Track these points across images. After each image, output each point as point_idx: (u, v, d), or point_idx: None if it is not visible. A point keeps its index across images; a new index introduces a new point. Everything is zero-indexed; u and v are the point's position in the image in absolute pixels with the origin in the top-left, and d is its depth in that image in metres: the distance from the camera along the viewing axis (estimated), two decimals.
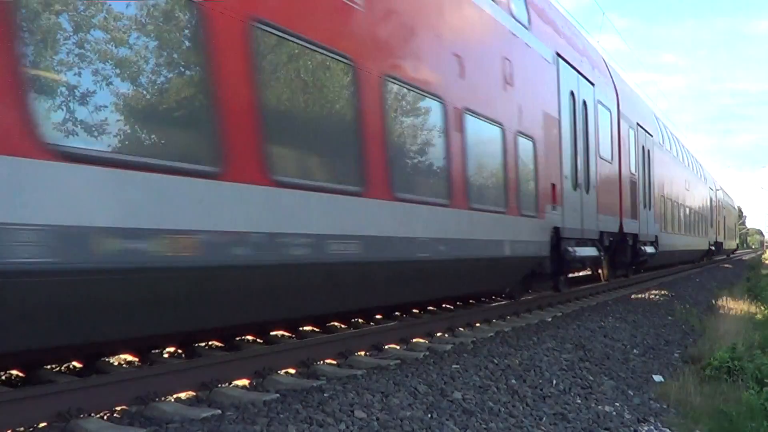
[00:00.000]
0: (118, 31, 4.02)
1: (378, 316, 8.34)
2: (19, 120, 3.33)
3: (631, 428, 5.53)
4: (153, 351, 5.65)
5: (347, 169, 5.80)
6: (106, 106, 3.88)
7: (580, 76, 11.44)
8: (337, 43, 5.53)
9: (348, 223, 5.52)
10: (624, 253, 14.26)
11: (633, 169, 14.94)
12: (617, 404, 6.04)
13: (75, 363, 5.21)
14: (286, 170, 5.06)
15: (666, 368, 8.12)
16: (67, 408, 3.76)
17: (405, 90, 6.58)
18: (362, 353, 6.19)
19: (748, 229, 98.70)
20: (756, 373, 7.74)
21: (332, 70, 5.62)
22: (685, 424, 6.03)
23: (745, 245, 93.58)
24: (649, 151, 16.87)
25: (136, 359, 5.48)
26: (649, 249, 15.94)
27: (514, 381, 5.75)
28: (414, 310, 8.98)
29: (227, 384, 4.75)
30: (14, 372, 4.88)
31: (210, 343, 6.24)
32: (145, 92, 4.17)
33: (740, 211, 71.70)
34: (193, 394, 4.52)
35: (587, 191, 11.39)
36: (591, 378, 6.60)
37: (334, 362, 5.81)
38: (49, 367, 5.04)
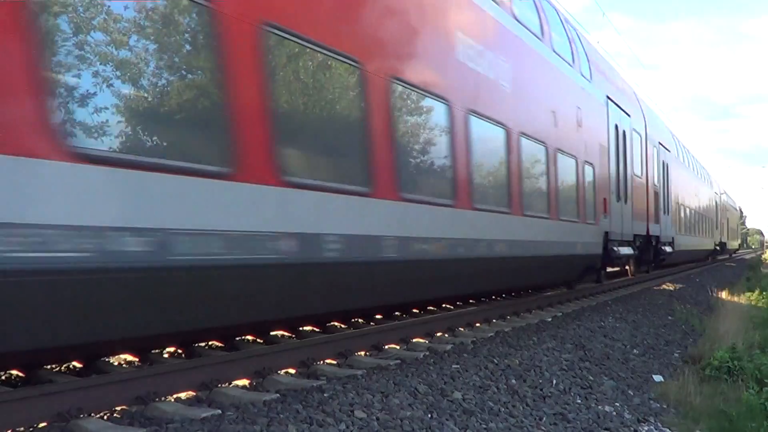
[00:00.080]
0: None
1: (378, 316, 8.35)
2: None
3: (631, 428, 5.53)
4: (153, 351, 5.65)
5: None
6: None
7: (621, 111, 14.24)
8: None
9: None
10: (648, 252, 16.55)
11: (656, 181, 17.78)
12: (617, 404, 6.04)
13: (75, 363, 5.22)
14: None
15: (666, 368, 8.13)
16: (67, 408, 3.76)
17: (526, 140, 9.05)
18: (362, 353, 6.18)
19: (748, 229, 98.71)
20: (756, 373, 7.74)
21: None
22: (685, 424, 6.03)
23: (745, 245, 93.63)
24: (667, 165, 19.78)
25: (136, 359, 5.48)
26: (668, 248, 18.55)
27: (514, 381, 5.76)
28: (414, 310, 8.99)
29: (227, 384, 4.75)
30: (14, 372, 4.88)
31: (210, 343, 6.24)
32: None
33: (741, 211, 72.00)
34: (193, 394, 4.51)
35: (625, 202, 14.00)
36: (591, 378, 6.60)
37: (334, 362, 5.81)
38: (49, 367, 5.04)
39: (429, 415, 4.51)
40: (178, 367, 4.67)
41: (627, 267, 16.68)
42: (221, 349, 6.14)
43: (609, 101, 13.30)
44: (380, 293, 6.78)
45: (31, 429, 3.70)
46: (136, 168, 3.84)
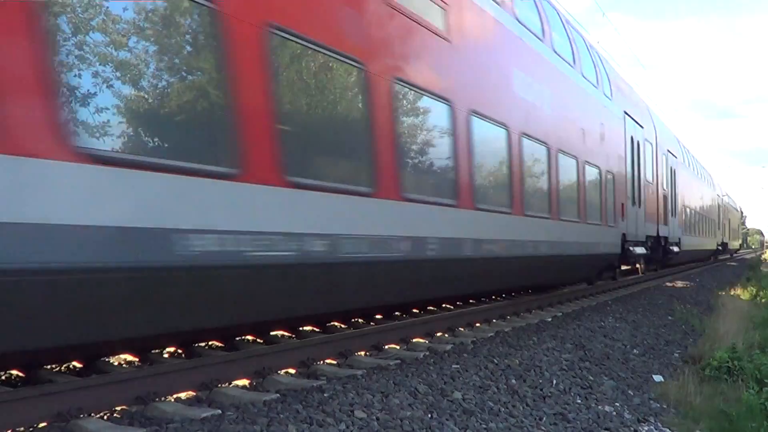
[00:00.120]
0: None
1: (378, 316, 8.35)
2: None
3: (631, 428, 5.53)
4: (153, 351, 5.65)
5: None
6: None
7: (636, 123, 15.66)
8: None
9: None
10: (657, 252, 17.68)
11: (665, 186, 19.17)
12: (617, 404, 6.04)
13: (75, 363, 5.22)
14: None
15: (666, 368, 8.12)
16: (67, 408, 3.76)
17: (562, 155, 10.53)
18: (362, 353, 6.19)
19: (748, 229, 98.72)
20: (756, 373, 7.74)
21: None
22: (685, 424, 6.03)
23: (745, 245, 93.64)
24: (674, 170, 21.15)
25: (136, 359, 5.48)
26: (675, 248, 19.89)
27: (514, 381, 5.75)
28: (414, 310, 8.99)
29: (227, 384, 4.75)
30: (14, 372, 4.88)
31: (210, 343, 6.24)
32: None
33: (741, 212, 72.30)
34: (193, 394, 4.52)
35: (639, 206, 15.37)
36: (591, 378, 6.60)
37: (334, 362, 5.81)
38: (49, 367, 5.04)
39: (429, 415, 4.51)
40: (178, 367, 4.67)
41: (638, 265, 17.72)
42: (221, 349, 6.14)
43: (626, 116, 14.79)
44: (458, 285, 8.54)
45: (31, 429, 3.70)
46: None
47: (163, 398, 4.29)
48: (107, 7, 3.89)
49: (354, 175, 5.86)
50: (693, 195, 26.11)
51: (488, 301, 10.59)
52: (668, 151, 20.14)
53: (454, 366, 5.84)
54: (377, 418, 4.24)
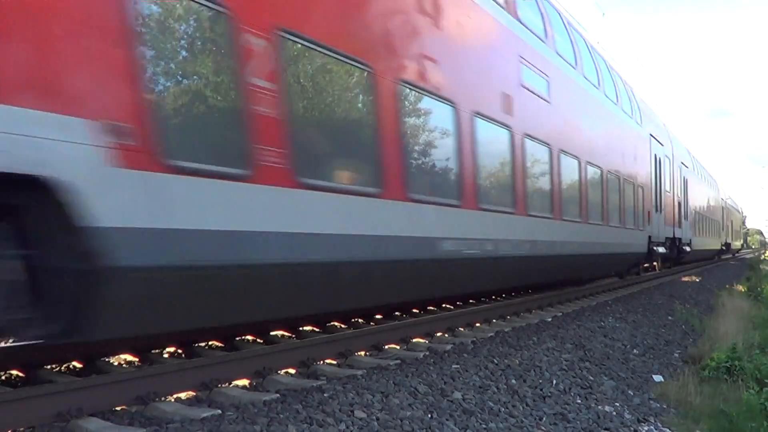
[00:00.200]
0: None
1: (378, 316, 8.35)
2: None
3: (631, 428, 5.53)
4: (153, 351, 5.65)
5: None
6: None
7: (658, 143, 18.59)
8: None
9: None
10: (673, 251, 20.39)
11: (679, 194, 21.86)
12: (617, 404, 6.04)
13: (75, 363, 5.22)
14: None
15: (666, 368, 8.12)
16: (67, 408, 3.76)
17: (611, 175, 13.19)
18: (362, 353, 6.19)
19: (748, 229, 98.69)
20: (756, 373, 7.74)
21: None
22: (685, 424, 6.03)
23: (745, 245, 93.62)
24: (686, 179, 24.05)
25: (136, 359, 5.48)
26: (687, 248, 22.64)
27: (514, 381, 5.75)
28: (414, 310, 8.99)
29: (227, 384, 4.75)
30: (14, 372, 4.88)
31: (210, 343, 6.24)
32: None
33: (742, 214, 72.72)
34: (193, 394, 4.52)
35: (660, 212, 18.09)
36: (591, 378, 6.60)
37: (334, 362, 5.82)
38: (49, 367, 5.04)
39: (429, 415, 4.51)
40: (178, 367, 4.67)
41: (655, 263, 20.67)
42: (221, 349, 6.14)
43: (651, 137, 17.80)
44: (523, 278, 10.56)
45: (31, 429, 3.70)
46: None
47: (163, 398, 4.29)
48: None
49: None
50: (701, 200, 29.18)
51: (488, 301, 10.59)
52: (682, 163, 23.45)
53: (454, 366, 5.84)
54: (377, 418, 4.24)
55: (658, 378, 7.54)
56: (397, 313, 8.59)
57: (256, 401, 4.28)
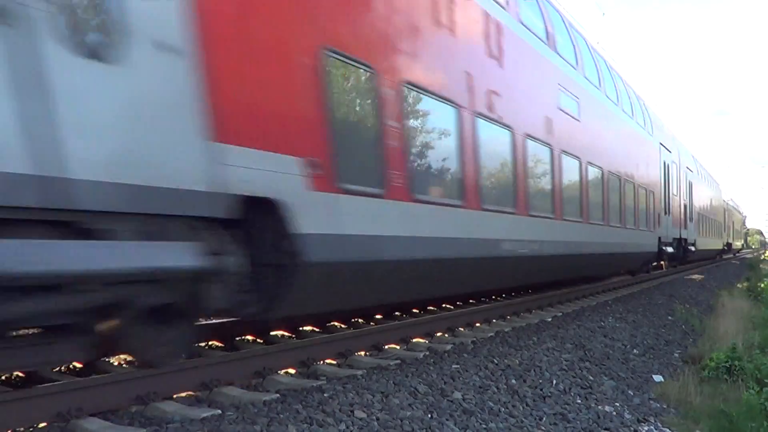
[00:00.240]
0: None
1: (378, 316, 8.35)
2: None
3: (631, 428, 5.53)
4: None
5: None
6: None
7: (666, 150, 20.10)
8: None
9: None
10: (680, 250, 21.93)
11: (685, 197, 23.43)
12: (617, 404, 6.04)
13: (75, 363, 5.22)
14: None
15: (666, 368, 8.12)
16: (67, 408, 3.76)
17: (629, 182, 14.83)
18: (362, 353, 6.18)
19: (748, 229, 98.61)
20: (756, 373, 7.74)
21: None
22: (685, 424, 6.03)
23: (745, 245, 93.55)
24: (691, 183, 25.68)
25: (136, 359, 5.47)
26: (692, 248, 24.32)
27: (514, 381, 5.75)
28: (414, 310, 8.99)
29: (227, 384, 4.75)
30: (14, 372, 4.87)
31: (210, 343, 6.24)
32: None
33: (742, 214, 73.00)
34: (193, 394, 4.51)
35: (668, 215, 19.62)
36: (591, 378, 6.60)
37: (334, 362, 5.81)
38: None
39: (429, 415, 4.51)
40: (178, 367, 4.67)
41: (663, 262, 21.88)
42: (221, 349, 6.14)
43: (661, 146, 19.37)
44: (558, 273, 12.12)
45: (31, 429, 3.70)
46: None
47: (163, 398, 4.29)
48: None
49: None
50: (704, 202, 30.86)
51: (488, 301, 10.58)
52: (687, 167, 25.01)
53: (454, 366, 5.84)
54: (377, 418, 4.24)
55: (658, 378, 7.54)
56: (397, 313, 8.59)
57: (256, 401, 4.28)
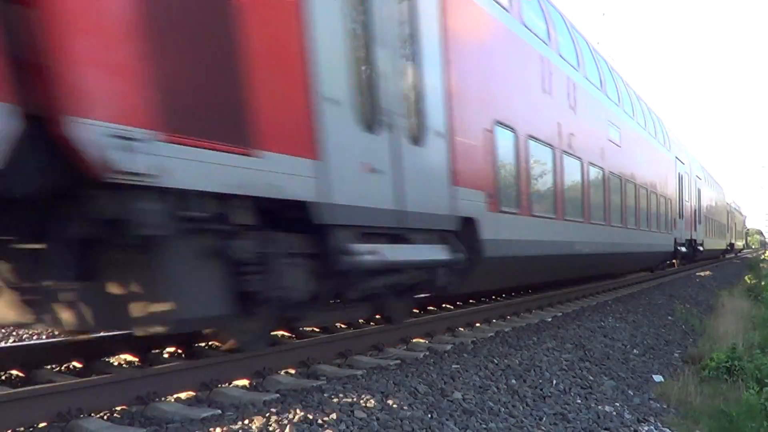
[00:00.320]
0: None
1: (378, 316, 8.35)
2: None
3: (631, 428, 5.53)
4: (153, 351, 5.65)
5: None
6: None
7: (680, 162, 23.18)
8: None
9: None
10: (690, 250, 24.63)
11: (694, 203, 26.32)
12: (617, 404, 6.04)
13: (75, 363, 5.22)
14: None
15: (666, 368, 8.13)
16: (67, 408, 3.76)
17: (653, 193, 17.58)
18: (362, 353, 6.18)
19: (748, 229, 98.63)
20: (756, 373, 7.75)
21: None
22: (685, 424, 6.03)
23: (745, 245, 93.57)
24: (700, 189, 28.57)
25: (136, 359, 5.48)
26: (701, 248, 27.15)
27: (514, 381, 5.75)
28: (414, 310, 8.98)
29: (227, 384, 4.75)
30: (14, 372, 4.88)
31: (210, 343, 6.24)
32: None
33: (743, 215, 73.66)
34: (193, 394, 4.51)
35: (681, 218, 22.52)
36: (591, 378, 6.60)
37: (334, 362, 5.81)
38: (49, 367, 5.04)
39: (429, 415, 4.51)
40: (178, 367, 4.67)
41: (674, 261, 24.73)
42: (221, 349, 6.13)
43: (677, 159, 22.37)
44: (603, 267, 15.15)
45: (31, 429, 3.70)
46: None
47: (163, 398, 4.29)
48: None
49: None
50: (711, 206, 34.02)
51: (488, 301, 10.58)
52: (696, 176, 28.21)
53: (454, 366, 5.84)
54: (377, 418, 4.24)
55: (658, 378, 7.55)
56: None
57: (256, 401, 4.28)
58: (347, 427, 4.03)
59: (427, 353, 6.43)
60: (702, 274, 25.27)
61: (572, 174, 11.03)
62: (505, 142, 8.40)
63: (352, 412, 4.25)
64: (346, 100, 5.31)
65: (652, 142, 18.58)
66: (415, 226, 6.17)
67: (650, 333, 10.12)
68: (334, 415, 4.07)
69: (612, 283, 16.25)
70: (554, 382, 6.07)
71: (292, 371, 5.37)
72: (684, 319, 12.01)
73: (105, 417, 3.96)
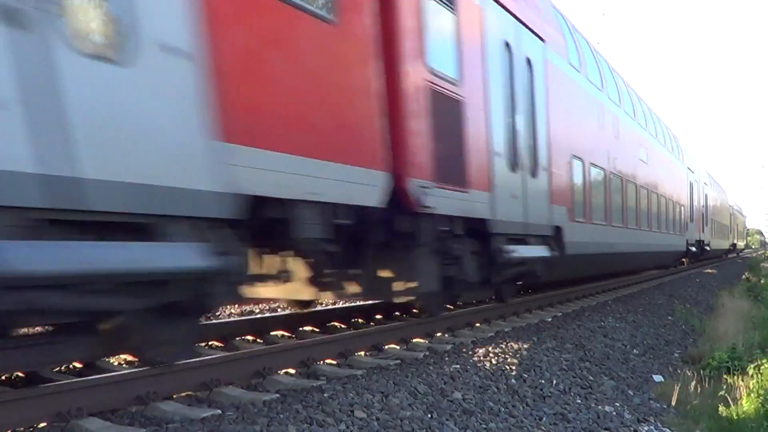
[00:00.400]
0: None
1: (378, 316, 8.35)
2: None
3: (631, 428, 5.53)
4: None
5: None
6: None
7: (691, 171, 26.35)
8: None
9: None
10: (698, 250, 27.44)
11: (702, 206, 29.27)
12: (617, 404, 6.04)
13: (75, 363, 5.21)
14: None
15: (666, 368, 8.13)
16: (67, 408, 3.76)
17: (669, 200, 20.66)
18: (362, 353, 6.18)
19: (748, 230, 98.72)
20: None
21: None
22: (685, 424, 6.03)
23: (746, 245, 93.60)
24: (707, 195, 31.58)
25: (136, 359, 5.47)
26: (707, 248, 30.38)
27: (514, 381, 5.75)
28: (414, 310, 8.98)
29: (227, 384, 4.75)
30: (14, 372, 4.87)
31: (210, 343, 6.24)
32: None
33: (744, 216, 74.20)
34: (193, 394, 4.51)
35: (692, 221, 25.56)
36: (591, 378, 6.60)
37: (334, 362, 5.81)
38: (54, 369, 5.03)
39: (429, 415, 4.51)
40: (178, 367, 4.66)
41: (684, 259, 27.50)
42: (221, 349, 6.14)
43: (688, 169, 25.58)
44: (637, 264, 18.78)
45: (31, 429, 3.70)
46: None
47: (163, 398, 4.29)
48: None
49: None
50: (716, 209, 37.20)
51: (488, 301, 10.57)
52: (704, 182, 31.15)
53: (454, 366, 5.84)
54: (377, 418, 4.24)
55: (658, 378, 7.55)
56: (396, 313, 8.59)
57: (256, 401, 4.28)
58: (347, 427, 4.04)
59: (427, 353, 6.43)
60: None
61: (615, 189, 14.04)
62: (577, 170, 11.29)
63: (352, 412, 4.25)
64: (503, 152, 8.20)
65: (669, 157, 21.94)
66: (532, 233, 8.93)
67: (650, 333, 10.12)
68: (334, 415, 4.08)
69: (612, 283, 16.28)
70: (554, 382, 6.07)
71: (292, 371, 5.37)
72: (684, 319, 12.01)
73: (105, 417, 3.95)
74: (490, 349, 6.82)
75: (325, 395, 4.49)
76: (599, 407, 5.76)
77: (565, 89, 10.80)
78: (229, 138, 4.14)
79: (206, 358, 5.28)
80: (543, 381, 6.00)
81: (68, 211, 3.36)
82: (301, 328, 7.12)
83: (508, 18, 8.55)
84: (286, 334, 6.90)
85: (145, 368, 4.44)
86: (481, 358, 6.32)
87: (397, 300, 6.88)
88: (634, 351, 8.58)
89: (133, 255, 3.64)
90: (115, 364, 5.38)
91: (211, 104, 4.02)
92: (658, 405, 6.48)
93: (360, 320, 8.00)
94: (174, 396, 4.41)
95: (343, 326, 7.59)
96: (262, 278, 5.84)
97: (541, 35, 9.63)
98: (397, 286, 6.55)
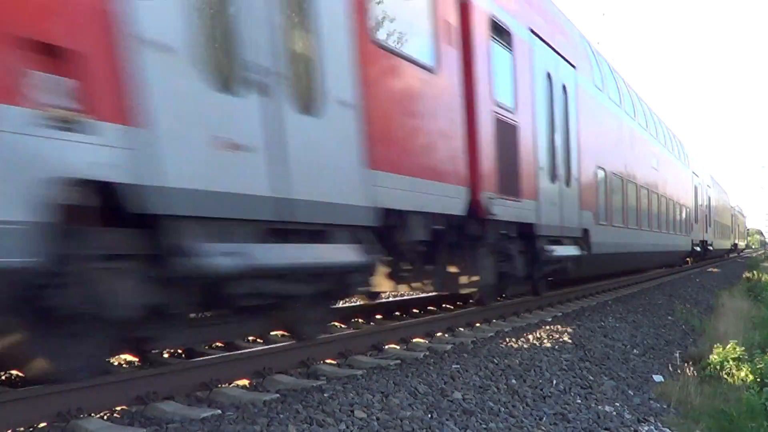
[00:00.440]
0: None
1: (378, 316, 8.35)
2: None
3: (631, 428, 5.53)
4: (153, 351, 5.64)
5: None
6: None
7: (696, 175, 27.75)
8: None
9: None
10: (702, 249, 29.05)
11: (705, 208, 30.75)
12: (617, 404, 6.04)
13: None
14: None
15: (666, 368, 8.12)
16: (67, 408, 3.76)
17: (675, 203, 22.37)
18: (362, 353, 6.18)
19: (748, 230, 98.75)
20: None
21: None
22: (686, 424, 6.03)
23: (746, 245, 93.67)
24: (710, 197, 33.18)
25: (136, 359, 5.48)
26: (711, 248, 32.19)
27: (514, 381, 5.75)
28: (414, 310, 8.99)
29: (227, 384, 4.75)
30: (14, 372, 4.87)
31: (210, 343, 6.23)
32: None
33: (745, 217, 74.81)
34: (193, 394, 4.51)
35: (697, 223, 27.03)
36: (591, 378, 6.60)
37: (334, 362, 5.81)
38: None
39: (429, 415, 4.51)
40: (178, 367, 4.67)
41: (688, 259, 28.98)
42: (221, 349, 6.14)
43: (693, 173, 27.17)
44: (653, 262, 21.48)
45: (31, 429, 3.70)
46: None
47: (163, 398, 4.29)
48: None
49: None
50: (719, 211, 39.07)
51: (488, 303, 10.56)
52: (707, 185, 32.63)
53: (454, 366, 5.84)
54: (377, 418, 4.24)
55: (658, 378, 7.54)
56: (397, 313, 8.59)
57: (256, 401, 4.28)
58: (347, 427, 4.04)
59: (427, 353, 6.43)
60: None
61: (631, 194, 15.49)
62: (600, 178, 12.68)
63: (352, 412, 4.25)
64: (545, 166, 9.53)
65: (676, 163, 23.59)
66: (566, 235, 10.24)
67: (650, 333, 10.12)
68: (334, 415, 4.08)
69: (612, 283, 16.29)
70: (554, 382, 6.07)
71: (292, 371, 5.37)
72: (684, 319, 12.01)
73: (105, 417, 3.95)
74: (490, 349, 6.82)
75: (325, 395, 4.49)
76: (599, 407, 5.76)
77: (591, 108, 12.26)
78: (374, 166, 5.56)
79: (206, 358, 5.29)
80: (543, 381, 6.00)
81: (283, 222, 4.66)
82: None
83: (549, 52, 9.98)
84: (286, 334, 6.90)
85: (145, 368, 4.45)
86: (481, 358, 6.32)
87: (462, 291, 8.13)
88: (634, 351, 8.58)
89: (322, 253, 5.02)
90: (115, 364, 5.37)
91: (363, 141, 5.41)
92: (658, 405, 6.48)
93: (360, 320, 8.00)
94: (174, 396, 4.41)
95: (343, 326, 7.59)
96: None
97: (573, 63, 11.09)
98: (463, 279, 7.78)
